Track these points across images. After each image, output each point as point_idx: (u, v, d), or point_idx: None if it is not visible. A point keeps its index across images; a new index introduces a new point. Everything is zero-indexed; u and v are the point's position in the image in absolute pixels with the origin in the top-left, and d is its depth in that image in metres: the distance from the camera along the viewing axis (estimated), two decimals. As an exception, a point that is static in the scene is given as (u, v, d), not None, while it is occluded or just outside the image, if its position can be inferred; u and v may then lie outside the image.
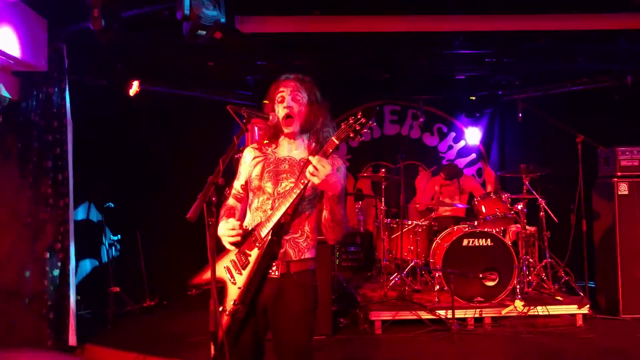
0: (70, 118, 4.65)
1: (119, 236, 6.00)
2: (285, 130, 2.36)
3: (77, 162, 4.77)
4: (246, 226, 2.35)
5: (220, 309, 2.26)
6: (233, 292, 2.28)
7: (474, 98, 7.51)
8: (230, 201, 2.53)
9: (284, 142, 2.42)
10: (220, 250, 2.34)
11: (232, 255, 2.34)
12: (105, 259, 5.87)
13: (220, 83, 7.02)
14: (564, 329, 4.92)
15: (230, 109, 2.23)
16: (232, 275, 2.31)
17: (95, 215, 5.86)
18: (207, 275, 2.31)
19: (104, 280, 5.56)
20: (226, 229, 2.28)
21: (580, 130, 5.51)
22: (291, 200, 2.21)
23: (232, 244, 2.30)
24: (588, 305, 5.07)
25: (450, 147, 7.99)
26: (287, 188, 2.30)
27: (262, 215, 2.32)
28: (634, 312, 5.16)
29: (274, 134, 2.41)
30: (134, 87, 5.73)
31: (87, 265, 5.90)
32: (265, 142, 2.44)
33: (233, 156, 2.46)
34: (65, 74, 4.59)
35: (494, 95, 7.58)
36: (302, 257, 2.34)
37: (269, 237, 2.25)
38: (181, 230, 5.76)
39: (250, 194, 2.41)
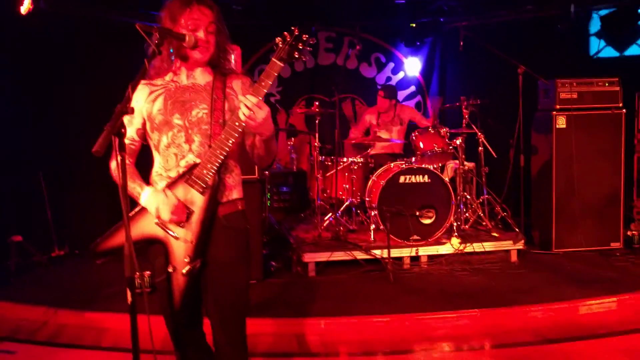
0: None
1: (19, 178, 5.68)
2: (196, 57, 2.26)
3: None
4: (168, 176, 2.25)
5: (171, 269, 2.18)
6: (182, 248, 2.19)
7: (414, 25, 7.49)
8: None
9: (182, 69, 2.33)
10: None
11: None
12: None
13: (129, 2, 6.62)
14: (499, 265, 5.25)
15: (139, 27, 2.08)
16: (169, 229, 2.20)
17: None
18: (123, 237, 2.05)
19: (4, 229, 5.33)
20: (163, 204, 2.15)
21: (522, 61, 5.65)
22: (229, 144, 2.15)
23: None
24: (523, 241, 5.43)
25: (389, 79, 8.04)
26: (200, 115, 2.26)
27: (177, 150, 2.25)
28: (566, 246, 5.57)
29: (182, 58, 2.28)
30: (26, 4, 5.28)
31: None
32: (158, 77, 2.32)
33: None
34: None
35: (435, 22, 7.57)
36: (230, 198, 2.31)
37: (215, 179, 2.19)
38: (92, 170, 5.58)
39: (155, 134, 2.29)
